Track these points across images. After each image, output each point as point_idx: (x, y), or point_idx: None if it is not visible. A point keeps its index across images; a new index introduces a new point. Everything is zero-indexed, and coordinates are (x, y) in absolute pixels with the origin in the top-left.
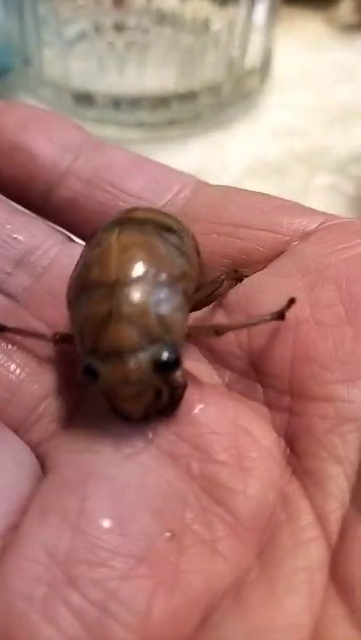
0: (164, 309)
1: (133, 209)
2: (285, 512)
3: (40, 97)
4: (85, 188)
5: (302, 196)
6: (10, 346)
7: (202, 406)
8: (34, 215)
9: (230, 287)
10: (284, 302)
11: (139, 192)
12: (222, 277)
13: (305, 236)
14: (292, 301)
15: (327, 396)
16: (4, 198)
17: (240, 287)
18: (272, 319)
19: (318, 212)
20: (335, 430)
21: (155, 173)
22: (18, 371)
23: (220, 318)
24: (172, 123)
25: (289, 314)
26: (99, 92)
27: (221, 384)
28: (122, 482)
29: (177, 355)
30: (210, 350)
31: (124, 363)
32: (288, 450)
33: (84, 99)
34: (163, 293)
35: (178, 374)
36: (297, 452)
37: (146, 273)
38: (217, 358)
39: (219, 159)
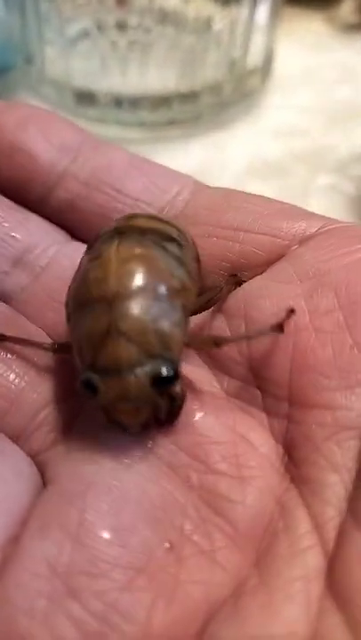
0: (163, 325)
1: (134, 216)
2: (283, 520)
3: (42, 95)
4: (84, 190)
5: (303, 196)
6: (9, 355)
7: (201, 414)
8: (31, 213)
9: (229, 292)
10: (283, 308)
11: (137, 194)
12: (222, 285)
13: (304, 240)
14: (291, 312)
15: (326, 404)
16: (1, 196)
17: (239, 292)
18: (271, 332)
19: (318, 215)
20: (333, 438)
21: (153, 175)
22: (17, 380)
23: (220, 324)
24: (173, 122)
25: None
26: (100, 91)
27: (220, 390)
28: (121, 492)
29: (175, 370)
30: (209, 355)
31: (123, 378)
32: (286, 457)
33: (86, 97)
34: (162, 309)
35: (177, 388)
36: (295, 459)
37: (145, 288)
38: (216, 364)
39: (220, 159)
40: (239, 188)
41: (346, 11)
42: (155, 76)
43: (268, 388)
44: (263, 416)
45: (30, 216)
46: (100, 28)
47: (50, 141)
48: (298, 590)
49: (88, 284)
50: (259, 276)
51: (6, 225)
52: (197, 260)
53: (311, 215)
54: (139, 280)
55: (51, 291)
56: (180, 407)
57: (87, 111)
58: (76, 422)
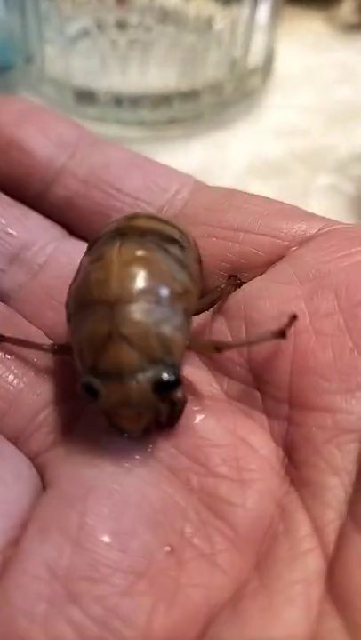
0: (165, 330)
1: (135, 216)
2: (283, 523)
3: (42, 94)
4: (82, 187)
5: (303, 195)
6: (7, 356)
7: (201, 417)
8: (28, 208)
9: (229, 293)
10: (283, 310)
11: (136, 192)
12: (222, 286)
13: (304, 241)
14: (293, 318)
15: (326, 407)
16: None
17: (239, 293)
18: (273, 337)
19: (318, 216)
20: (334, 441)
21: (152, 173)
22: (15, 381)
23: (220, 325)
24: (173, 121)
25: None
26: (100, 90)
27: (220, 392)
28: (122, 496)
29: (177, 375)
30: (209, 357)
31: (125, 384)
32: (286, 460)
33: (86, 96)
34: (163, 313)
35: (178, 393)
36: (295, 461)
37: (147, 291)
38: (216, 365)
39: (220, 158)
40: (240, 188)
41: (346, 11)
42: (155, 75)
43: (269, 390)
44: (263, 418)
45: (28, 212)
46: (101, 26)
47: (47, 137)
48: (298, 593)
49: (89, 286)
50: (259, 277)
51: (3, 221)
52: (199, 261)
53: (311, 216)
54: (141, 283)
55: (49, 289)
56: (180, 411)
57: (87, 110)
58: (77, 424)
